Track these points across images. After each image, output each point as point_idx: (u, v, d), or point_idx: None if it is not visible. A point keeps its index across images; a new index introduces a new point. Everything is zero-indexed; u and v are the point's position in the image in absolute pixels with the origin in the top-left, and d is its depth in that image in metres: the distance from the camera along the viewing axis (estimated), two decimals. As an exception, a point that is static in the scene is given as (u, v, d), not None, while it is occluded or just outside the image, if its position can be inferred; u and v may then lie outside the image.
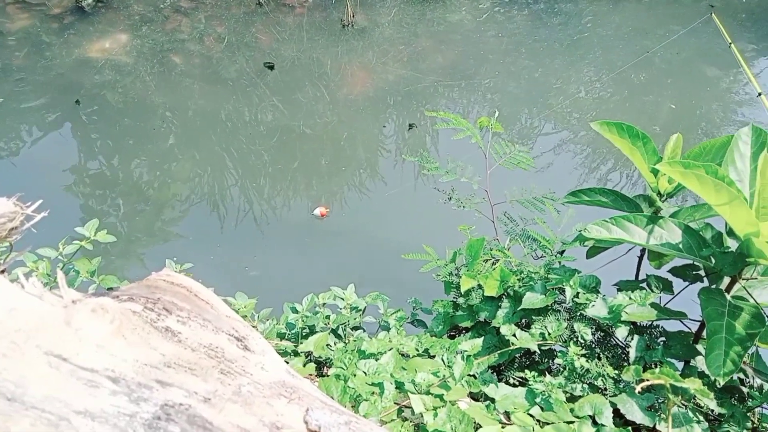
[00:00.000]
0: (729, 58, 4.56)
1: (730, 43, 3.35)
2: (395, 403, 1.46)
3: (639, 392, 1.09)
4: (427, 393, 1.45)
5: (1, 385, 0.58)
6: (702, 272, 1.59)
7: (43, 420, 0.57)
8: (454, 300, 1.81)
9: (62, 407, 0.59)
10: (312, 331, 1.84)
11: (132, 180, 3.85)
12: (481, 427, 1.30)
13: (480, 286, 1.70)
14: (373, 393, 1.43)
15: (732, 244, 1.43)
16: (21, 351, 0.61)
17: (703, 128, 4.18)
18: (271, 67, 4.59)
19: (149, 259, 3.41)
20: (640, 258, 1.73)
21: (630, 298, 1.46)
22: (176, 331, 0.71)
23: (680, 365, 1.54)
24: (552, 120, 4.43)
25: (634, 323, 1.53)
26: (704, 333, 1.56)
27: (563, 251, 1.80)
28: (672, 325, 1.59)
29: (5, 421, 0.56)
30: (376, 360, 1.55)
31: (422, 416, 1.35)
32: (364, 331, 1.90)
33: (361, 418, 0.69)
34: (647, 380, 1.04)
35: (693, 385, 1.05)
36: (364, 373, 1.50)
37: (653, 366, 1.42)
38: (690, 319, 1.55)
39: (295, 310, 1.87)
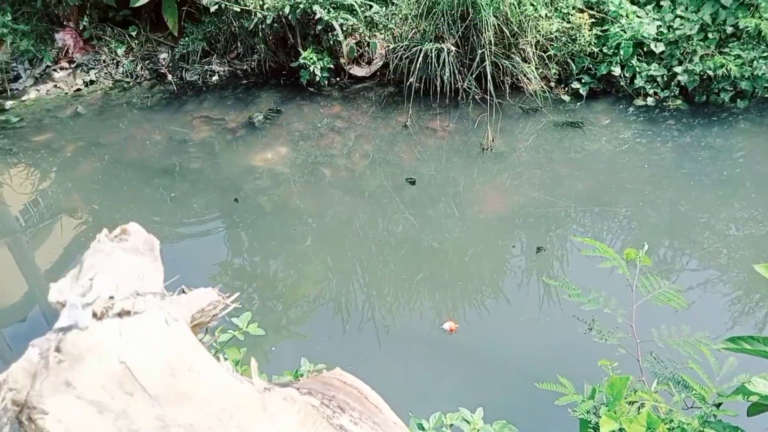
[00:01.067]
0: None
1: None
2: None
3: None
4: None
5: (206, 457, 0.65)
6: None
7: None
8: (591, 441, 1.69)
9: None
10: (436, 451, 1.80)
11: (268, 276, 4.14)
12: None
13: (622, 430, 1.58)
14: None
15: None
16: (225, 428, 0.69)
17: None
18: (413, 182, 4.88)
19: (273, 355, 3.56)
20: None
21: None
22: (349, 431, 0.76)
23: None
24: (697, 255, 4.16)
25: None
26: None
27: (720, 404, 1.64)
28: None
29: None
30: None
31: None
32: (489, 460, 1.82)
33: None
34: None
35: None
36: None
37: None
38: None
39: (421, 427, 1.84)
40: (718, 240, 4.26)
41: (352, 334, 3.65)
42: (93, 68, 6.97)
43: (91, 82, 6.88)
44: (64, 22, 7.11)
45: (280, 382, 0.95)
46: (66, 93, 6.74)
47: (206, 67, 6.84)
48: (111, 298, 0.80)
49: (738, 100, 5.69)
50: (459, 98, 5.95)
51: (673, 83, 5.76)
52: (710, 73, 5.57)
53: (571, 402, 1.78)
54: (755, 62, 5.53)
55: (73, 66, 6.99)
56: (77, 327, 0.78)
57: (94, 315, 0.78)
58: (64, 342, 0.77)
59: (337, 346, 3.56)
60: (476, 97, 5.94)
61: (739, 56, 5.57)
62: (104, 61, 6.99)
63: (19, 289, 4.20)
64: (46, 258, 4.45)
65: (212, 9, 6.03)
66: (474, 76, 5.89)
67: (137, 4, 6.55)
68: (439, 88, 5.90)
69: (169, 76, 6.82)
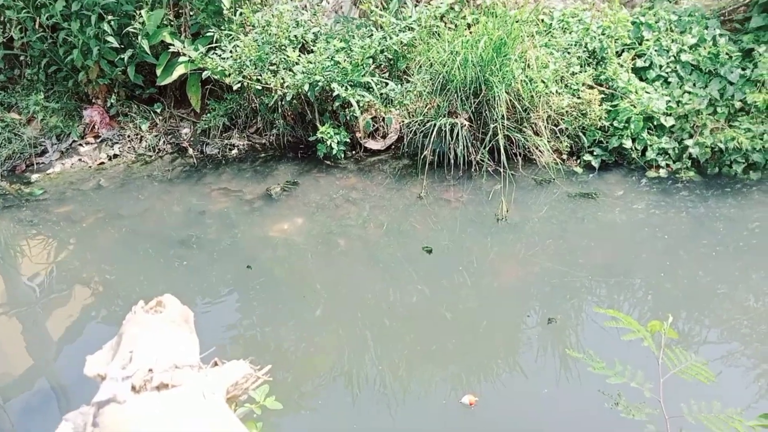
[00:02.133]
0: None
1: None
2: None
3: None
4: None
5: None
6: None
7: None
8: None
9: None
10: None
11: (280, 347, 4.10)
12: None
13: None
14: None
15: None
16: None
17: None
18: (430, 251, 4.90)
19: (284, 428, 3.47)
20: None
21: None
22: None
23: None
24: (718, 328, 4.08)
25: None
26: None
27: (758, 485, 1.57)
28: None
29: None
30: None
31: None
32: None
33: None
34: None
35: None
36: None
37: None
38: None
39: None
40: (738, 312, 4.19)
41: (364, 407, 3.57)
42: (117, 143, 7.23)
43: (115, 156, 7.12)
44: (93, 100, 7.45)
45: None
46: (90, 166, 6.97)
47: (226, 141, 7.07)
48: (150, 371, 0.81)
49: (751, 171, 5.74)
50: (472, 170, 6.07)
51: (684, 155, 5.85)
52: (721, 146, 5.66)
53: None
54: (765, 135, 5.63)
55: (98, 141, 7.27)
56: (116, 401, 0.79)
57: (133, 388, 0.79)
58: (102, 416, 0.78)
59: (349, 420, 3.47)
60: (489, 169, 6.05)
61: (749, 129, 5.68)
62: (128, 136, 7.26)
63: (26, 361, 4.18)
64: (58, 328, 4.45)
65: (235, 87, 6.30)
66: (487, 149, 6.02)
67: (163, 83, 6.87)
68: (452, 161, 6.02)
69: (190, 150, 7.04)
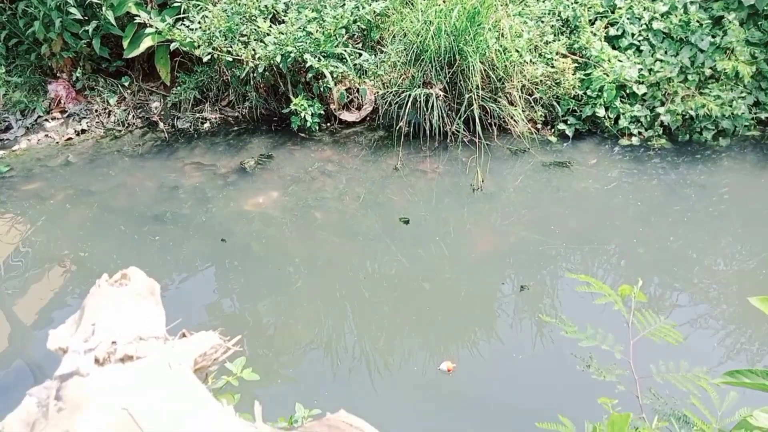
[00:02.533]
0: None
1: None
2: None
3: None
4: None
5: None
6: None
7: None
8: (595, 482, 1.66)
9: None
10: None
11: (259, 320, 4.10)
12: None
13: (626, 469, 1.56)
14: None
15: None
16: (232, 473, 0.68)
17: None
18: (407, 222, 4.91)
19: (265, 400, 3.48)
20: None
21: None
22: (357, 473, 0.75)
23: None
24: (688, 291, 4.19)
25: None
26: None
27: (722, 439, 1.63)
28: None
29: None
30: None
31: None
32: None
33: None
34: None
35: None
36: None
37: None
38: None
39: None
40: (707, 275, 4.30)
41: (345, 377, 3.60)
42: (85, 117, 7.03)
43: (83, 131, 6.93)
44: (57, 74, 7.21)
45: (284, 427, 0.94)
46: (57, 142, 6.77)
47: (198, 114, 6.92)
48: (113, 343, 0.80)
49: (720, 138, 5.84)
50: (448, 141, 6.06)
51: (656, 123, 5.92)
52: (692, 113, 5.73)
53: (572, 442, 1.76)
54: (734, 102, 5.71)
55: (64, 116, 7.06)
56: (79, 374, 0.77)
57: (96, 361, 0.78)
58: (65, 389, 0.77)
59: (330, 390, 3.50)
60: (465, 139, 6.04)
61: (718, 97, 5.75)
62: (96, 111, 7.06)
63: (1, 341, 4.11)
64: (31, 307, 4.38)
65: (205, 59, 6.15)
66: (462, 119, 6.01)
67: (130, 55, 6.67)
68: (428, 132, 6.00)
69: (161, 124, 6.89)
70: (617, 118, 5.99)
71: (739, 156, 5.64)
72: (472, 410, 3.32)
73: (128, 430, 0.74)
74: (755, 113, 5.85)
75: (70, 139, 6.83)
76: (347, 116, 6.53)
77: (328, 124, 6.60)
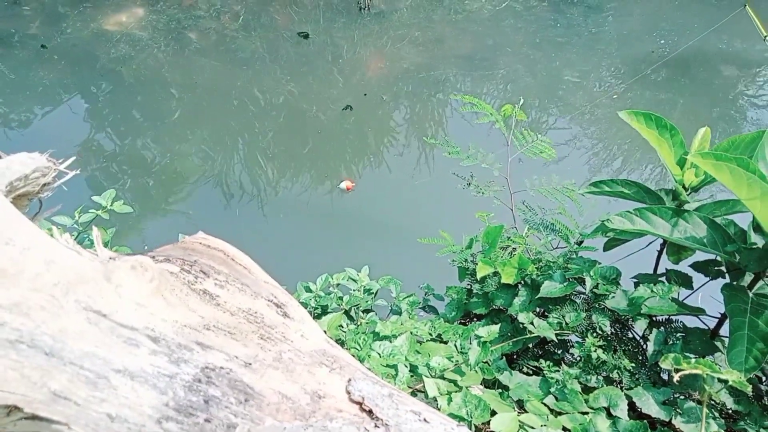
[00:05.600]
0: (749, 58, 4.51)
1: (765, 36, 3.29)
2: (408, 386, 1.45)
3: (677, 381, 1.08)
4: (441, 377, 1.44)
5: (39, 339, 0.57)
6: (723, 268, 1.57)
7: (81, 377, 0.56)
8: (469, 287, 1.79)
9: (101, 364, 0.58)
10: (324, 311, 1.83)
11: (140, 156, 3.84)
12: (495, 413, 1.30)
13: (496, 273, 1.69)
14: (387, 375, 1.42)
15: (758, 241, 1.41)
16: (59, 305, 0.60)
17: (722, 128, 4.14)
18: (306, 36, 4.53)
19: (151, 234, 3.39)
20: (660, 252, 1.71)
21: (652, 291, 1.45)
22: (214, 294, 0.70)
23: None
24: (566, 113, 4.40)
25: (651, 317, 1.52)
26: (721, 330, 1.55)
27: (582, 242, 1.79)
28: (687, 322, 1.58)
29: (42, 376, 0.55)
30: (390, 342, 1.54)
31: (436, 400, 1.34)
32: (376, 314, 1.89)
33: (402, 391, 0.68)
34: (684, 369, 1.03)
35: (731, 376, 1.03)
36: (379, 354, 1.49)
37: (671, 360, 1.40)
38: (707, 316, 1.54)
39: (308, 290, 1.86)
40: (585, 99, 4.50)
41: (236, 209, 3.55)
42: None
43: None
44: None
45: (131, 253, 0.87)
46: None
47: None
48: None
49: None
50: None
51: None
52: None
53: (451, 253, 1.86)
54: None
55: None
56: None
57: None
58: None
59: (220, 223, 3.46)
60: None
61: None
62: None
63: None
64: None
65: None
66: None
67: None
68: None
69: None
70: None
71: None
72: (359, 233, 3.42)
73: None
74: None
75: None
76: None
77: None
